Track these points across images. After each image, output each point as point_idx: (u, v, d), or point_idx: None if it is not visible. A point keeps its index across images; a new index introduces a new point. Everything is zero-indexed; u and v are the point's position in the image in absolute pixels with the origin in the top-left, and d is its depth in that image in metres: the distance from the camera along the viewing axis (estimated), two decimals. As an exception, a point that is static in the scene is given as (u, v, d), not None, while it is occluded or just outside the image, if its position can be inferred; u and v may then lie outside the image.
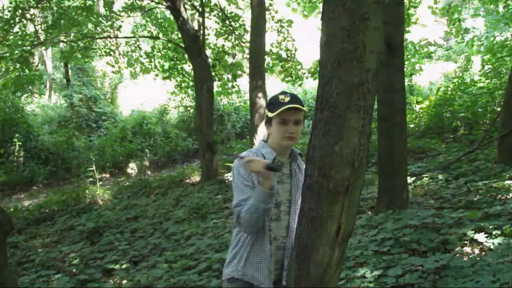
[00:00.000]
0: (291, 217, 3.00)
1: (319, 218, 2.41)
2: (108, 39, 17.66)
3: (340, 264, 2.57)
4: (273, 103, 2.97)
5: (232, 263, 3.05)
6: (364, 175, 2.49)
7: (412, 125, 15.43)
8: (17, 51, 14.58)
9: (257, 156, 2.99)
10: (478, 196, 6.75)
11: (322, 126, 2.32)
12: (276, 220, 2.99)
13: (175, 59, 17.19)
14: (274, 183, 2.87)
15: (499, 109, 12.44)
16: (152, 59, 17.45)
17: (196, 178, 13.47)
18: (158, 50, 17.62)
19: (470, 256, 4.69)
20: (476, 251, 4.95)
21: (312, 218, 2.44)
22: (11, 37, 14.84)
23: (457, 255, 4.71)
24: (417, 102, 17.64)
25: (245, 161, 2.89)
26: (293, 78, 17.40)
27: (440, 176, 8.56)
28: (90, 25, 16.86)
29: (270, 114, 2.97)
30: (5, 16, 14.36)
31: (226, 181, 12.24)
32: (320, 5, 19.48)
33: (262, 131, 12.71)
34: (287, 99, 2.93)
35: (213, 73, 14.76)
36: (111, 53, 17.89)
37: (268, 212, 2.88)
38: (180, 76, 17.83)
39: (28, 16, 14.90)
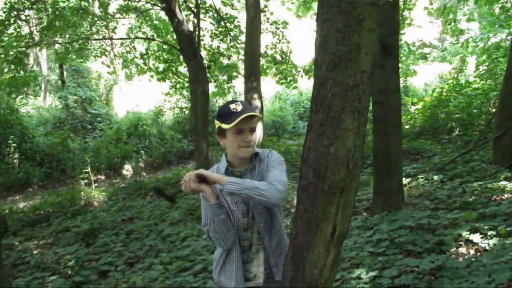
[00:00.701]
0: (255, 221, 2.95)
1: (314, 219, 2.41)
2: (103, 40, 17.64)
3: (335, 265, 2.57)
4: (226, 114, 2.87)
5: (214, 268, 3.09)
6: (360, 176, 2.50)
7: (407, 126, 15.47)
8: (12, 52, 14.55)
9: (215, 172, 2.98)
10: (473, 197, 6.77)
11: (317, 127, 2.32)
12: (248, 228, 2.96)
13: (169, 61, 17.17)
14: (219, 194, 2.86)
15: (494, 110, 12.47)
16: (147, 61, 17.43)
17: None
18: (152, 52, 17.60)
19: (466, 257, 4.70)
20: (472, 251, 4.95)
21: (307, 219, 2.45)
22: (6, 38, 14.81)
23: (453, 256, 4.72)
24: (412, 103, 17.69)
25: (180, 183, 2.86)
26: (288, 81, 17.40)
27: (435, 177, 8.57)
28: (85, 26, 16.84)
29: (225, 126, 2.85)
30: (0, 17, 14.33)
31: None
32: (315, 6, 19.63)
33: (257, 132, 12.69)
34: (239, 107, 2.85)
35: (208, 75, 14.74)
36: (106, 53, 17.87)
37: (227, 223, 2.83)
38: (175, 77, 17.82)
39: (23, 17, 14.86)
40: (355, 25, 2.20)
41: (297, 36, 25.65)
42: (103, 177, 18.91)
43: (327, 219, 2.39)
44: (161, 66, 17.69)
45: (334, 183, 2.32)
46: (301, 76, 17.54)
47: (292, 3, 20.08)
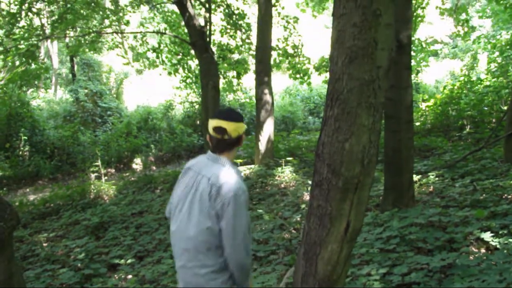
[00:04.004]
0: None
1: (328, 216, 2.40)
2: (115, 34, 17.68)
3: (348, 262, 2.56)
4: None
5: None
6: (374, 172, 2.49)
7: (418, 123, 15.41)
8: (23, 45, 14.58)
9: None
10: (484, 195, 6.73)
11: (332, 122, 2.31)
12: None
13: (181, 54, 17.19)
14: None
15: (505, 107, 12.40)
16: (159, 55, 17.44)
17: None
18: (165, 45, 17.61)
19: (476, 255, 4.67)
20: (482, 250, 4.93)
21: (321, 215, 2.44)
22: (17, 31, 14.84)
23: (463, 254, 4.69)
24: (423, 100, 17.62)
25: None
26: (301, 76, 17.34)
27: (446, 175, 8.53)
28: (97, 19, 16.88)
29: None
30: (12, 10, 14.36)
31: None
32: (328, 4, 19.55)
33: (268, 127, 12.69)
34: None
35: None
36: (119, 45, 17.93)
37: None
38: (185, 71, 17.83)
39: (34, 10, 14.88)
40: (372, 20, 2.18)
41: (308, 33, 25.60)
42: (113, 171, 18.96)
43: (341, 215, 2.38)
44: (174, 59, 17.73)
45: (348, 179, 2.30)
46: (311, 73, 17.49)
47: (307, 3, 20.02)
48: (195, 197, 2.95)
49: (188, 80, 18.52)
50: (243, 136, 3.08)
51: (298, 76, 17.43)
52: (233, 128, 2.99)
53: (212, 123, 3.05)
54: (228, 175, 2.92)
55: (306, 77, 17.36)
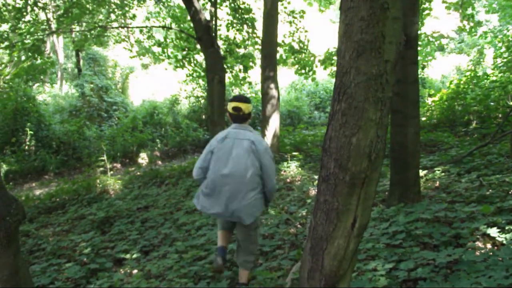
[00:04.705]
0: None
1: (335, 211, 2.39)
2: (120, 28, 17.70)
3: (354, 257, 2.56)
4: None
5: None
6: (381, 167, 2.47)
7: (424, 118, 15.38)
8: (29, 40, 14.60)
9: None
10: (490, 190, 6.70)
11: (339, 117, 2.30)
12: None
13: (187, 49, 17.18)
14: None
15: (511, 103, 12.35)
16: (165, 49, 17.44)
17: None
18: (171, 40, 17.61)
19: (482, 251, 4.65)
20: (488, 245, 4.91)
21: (327, 210, 2.43)
22: (23, 25, 14.86)
23: (469, 249, 4.67)
24: (429, 95, 17.57)
25: None
26: (307, 71, 17.33)
27: (452, 170, 8.51)
28: (103, 13, 16.89)
29: None
30: (17, 5, 14.38)
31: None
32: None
33: (273, 122, 12.67)
34: None
35: (224, 65, 14.73)
36: (126, 39, 17.96)
37: None
38: (192, 65, 17.83)
39: (40, 4, 14.90)
40: (379, 14, 2.16)
41: (313, 26, 25.53)
42: (118, 165, 18.98)
43: (348, 210, 2.37)
44: (179, 55, 17.72)
45: (355, 174, 2.29)
46: (316, 66, 17.46)
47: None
48: (241, 151, 4.82)
49: (195, 75, 18.53)
50: (251, 113, 5.14)
51: (303, 71, 17.42)
52: (245, 107, 5.03)
53: (232, 104, 5.03)
54: (258, 137, 5.00)
55: (311, 73, 17.34)
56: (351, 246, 2.46)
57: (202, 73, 18.05)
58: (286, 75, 27.84)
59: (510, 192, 6.45)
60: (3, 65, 20.25)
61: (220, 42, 16.52)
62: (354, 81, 2.22)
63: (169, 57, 17.75)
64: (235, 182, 4.74)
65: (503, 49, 18.24)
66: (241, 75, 18.05)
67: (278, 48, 15.10)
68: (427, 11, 16.14)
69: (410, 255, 4.79)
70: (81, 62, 26.81)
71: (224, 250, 5.13)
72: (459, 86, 15.71)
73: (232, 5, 16.56)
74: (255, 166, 4.78)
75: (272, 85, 12.77)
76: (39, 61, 15.75)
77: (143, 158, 19.77)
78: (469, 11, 17.10)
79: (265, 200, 5.03)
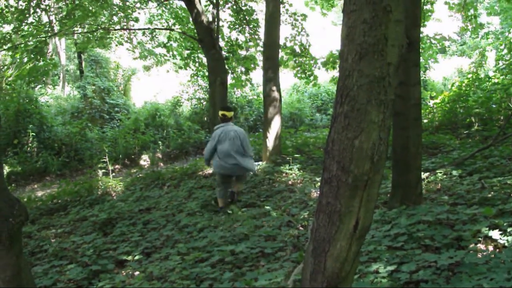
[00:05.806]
0: None
1: (337, 213, 2.39)
2: (123, 30, 17.73)
3: (356, 259, 2.56)
4: None
5: None
6: (383, 169, 2.48)
7: (425, 120, 15.38)
8: (31, 42, 14.63)
9: None
10: (492, 192, 6.70)
11: (342, 119, 2.31)
12: None
13: (191, 49, 17.23)
14: None
15: (514, 105, 12.36)
16: (170, 50, 17.50)
17: (209, 170, 13.45)
18: (174, 40, 17.66)
19: (484, 253, 4.65)
20: (490, 248, 4.91)
21: (330, 212, 2.43)
22: (26, 27, 14.88)
23: (471, 252, 4.67)
24: (431, 97, 17.56)
25: None
26: (307, 76, 17.35)
27: (454, 172, 8.51)
28: (105, 15, 16.93)
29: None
30: (20, 7, 14.41)
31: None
32: (336, 1, 19.48)
33: (275, 124, 12.68)
34: None
35: (226, 66, 14.74)
36: (128, 41, 18.00)
37: None
38: (196, 65, 17.88)
39: (42, 6, 14.93)
40: (382, 17, 2.17)
41: (315, 29, 25.56)
42: (120, 167, 19.00)
43: (350, 212, 2.38)
44: (185, 53, 17.78)
45: (358, 176, 2.30)
46: (318, 68, 17.47)
47: (316, 1, 19.98)
48: (234, 137, 8.99)
49: (200, 74, 18.60)
50: (233, 117, 9.49)
51: (303, 76, 17.44)
52: (229, 114, 9.37)
53: (221, 112, 9.41)
54: (238, 128, 9.33)
55: (312, 78, 17.36)
56: (353, 248, 2.46)
57: (207, 73, 18.14)
58: (288, 77, 27.86)
59: (512, 195, 6.45)
60: (5, 67, 20.30)
61: (222, 43, 16.55)
62: (356, 83, 2.23)
63: (174, 57, 17.80)
64: (234, 151, 8.93)
65: (505, 51, 18.24)
66: (243, 77, 18.08)
67: (279, 50, 15.13)
68: (429, 13, 16.16)
69: (412, 257, 4.79)
70: (83, 64, 26.88)
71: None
72: (461, 88, 15.72)
73: (234, 7, 16.58)
74: (239, 143, 9.03)
75: (274, 87, 12.77)
76: (41, 63, 15.76)
77: (145, 160, 19.81)
78: (471, 12, 17.13)
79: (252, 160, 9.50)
